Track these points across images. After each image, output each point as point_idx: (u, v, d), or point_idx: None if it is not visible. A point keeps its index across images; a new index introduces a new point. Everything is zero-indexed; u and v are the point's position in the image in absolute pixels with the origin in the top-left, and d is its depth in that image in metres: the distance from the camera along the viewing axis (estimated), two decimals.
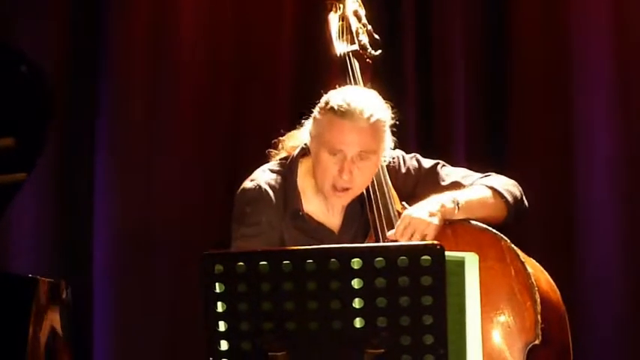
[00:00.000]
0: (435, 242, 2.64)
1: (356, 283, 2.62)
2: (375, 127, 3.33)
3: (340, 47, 3.69)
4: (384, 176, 3.47)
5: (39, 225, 4.45)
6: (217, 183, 4.55)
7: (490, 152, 4.65)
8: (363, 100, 3.35)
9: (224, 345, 2.66)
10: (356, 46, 3.69)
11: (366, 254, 2.62)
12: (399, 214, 3.37)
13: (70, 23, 4.51)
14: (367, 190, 3.44)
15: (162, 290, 4.50)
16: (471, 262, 2.90)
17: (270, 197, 3.43)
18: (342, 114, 3.31)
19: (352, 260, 2.61)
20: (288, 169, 3.49)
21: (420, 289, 2.61)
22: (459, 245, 3.15)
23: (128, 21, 4.54)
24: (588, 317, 4.45)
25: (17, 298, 3.36)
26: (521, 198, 3.55)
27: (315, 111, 3.40)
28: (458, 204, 3.36)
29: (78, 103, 4.50)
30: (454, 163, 4.51)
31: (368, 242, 3.38)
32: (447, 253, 2.62)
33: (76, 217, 4.50)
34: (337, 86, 3.50)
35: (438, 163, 3.59)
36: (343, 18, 3.76)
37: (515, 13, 4.63)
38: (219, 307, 2.65)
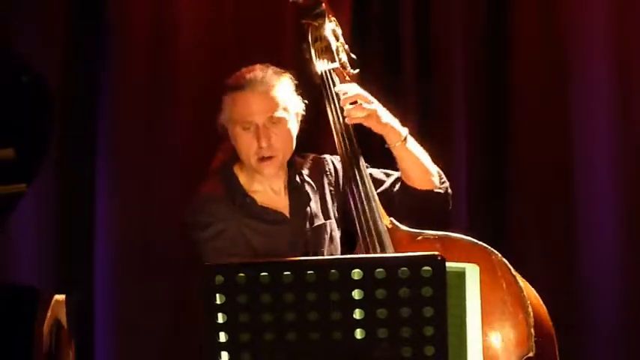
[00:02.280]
0: (436, 253, 2.64)
1: (356, 294, 2.62)
2: (275, 90, 3.48)
3: (320, 66, 3.72)
4: (372, 191, 3.49)
5: (40, 235, 4.43)
6: None
7: (491, 154, 4.64)
8: (256, 70, 3.51)
9: (224, 356, 2.66)
10: (337, 64, 3.73)
11: (367, 265, 2.62)
12: (388, 229, 3.40)
13: (70, 26, 4.49)
14: (355, 203, 3.47)
15: (163, 295, 4.49)
16: (472, 273, 2.90)
17: (216, 199, 3.52)
18: (240, 87, 3.48)
19: (353, 271, 2.62)
20: (224, 172, 3.61)
21: (420, 300, 2.61)
22: (449, 259, 3.14)
23: (128, 22, 4.52)
24: (588, 319, 4.45)
25: (20, 309, 3.35)
26: (447, 193, 3.63)
27: (221, 100, 3.55)
28: (407, 135, 3.52)
29: (77, 104, 4.49)
30: (455, 165, 4.55)
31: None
32: (447, 264, 2.62)
33: (77, 224, 4.49)
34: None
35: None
36: (321, 38, 3.80)
37: (514, 17, 4.63)
38: (220, 318, 2.65)
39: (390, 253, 3.30)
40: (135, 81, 4.53)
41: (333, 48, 3.76)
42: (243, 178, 3.58)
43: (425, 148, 3.65)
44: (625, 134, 4.58)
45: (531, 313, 3.16)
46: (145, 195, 4.52)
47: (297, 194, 3.59)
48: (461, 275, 2.89)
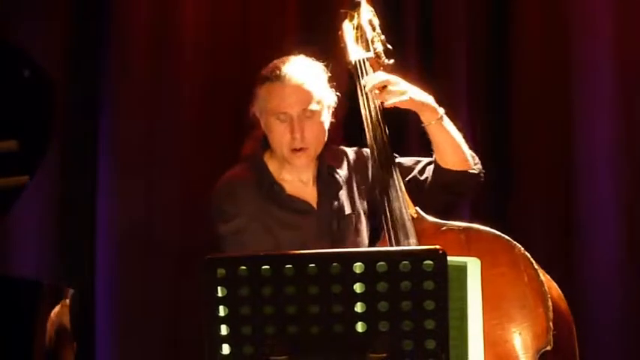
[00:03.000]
0: (438, 247, 2.63)
1: (358, 288, 2.62)
2: (309, 83, 3.51)
3: (355, 54, 3.74)
4: (399, 180, 3.50)
5: (41, 227, 4.44)
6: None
7: (492, 153, 4.64)
8: (292, 62, 3.54)
9: (226, 349, 2.66)
10: (371, 54, 3.74)
11: (368, 258, 2.62)
12: (413, 219, 3.39)
13: (72, 23, 4.50)
14: (380, 192, 3.48)
15: (163, 292, 4.49)
16: (473, 267, 2.90)
17: (243, 185, 3.55)
18: (275, 78, 3.51)
19: (354, 264, 2.61)
20: (253, 159, 3.64)
21: (422, 293, 2.61)
22: (472, 251, 3.17)
23: (131, 22, 4.53)
24: (589, 319, 4.45)
25: (22, 302, 3.36)
26: (480, 174, 3.65)
27: (254, 90, 3.57)
28: (443, 114, 3.53)
29: (79, 103, 4.49)
30: None
31: (380, 245, 3.40)
32: (449, 258, 2.61)
33: (78, 218, 4.49)
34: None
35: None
36: (358, 27, 3.83)
37: (516, 17, 4.63)
38: (221, 311, 2.65)
39: (413, 244, 3.30)
40: (136, 80, 4.53)
41: (369, 37, 3.77)
42: (272, 167, 3.61)
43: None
44: (627, 130, 4.58)
45: (551, 307, 3.17)
46: (146, 192, 4.53)
47: (325, 186, 3.61)
48: (462, 269, 2.89)
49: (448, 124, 3.56)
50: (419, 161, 3.68)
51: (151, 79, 4.55)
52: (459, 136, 3.59)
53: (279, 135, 3.52)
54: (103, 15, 4.52)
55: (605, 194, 4.56)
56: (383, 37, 3.78)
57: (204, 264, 2.66)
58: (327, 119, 3.57)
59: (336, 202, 3.60)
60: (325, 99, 3.55)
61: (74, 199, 4.49)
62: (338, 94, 3.62)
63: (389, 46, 3.78)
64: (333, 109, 3.61)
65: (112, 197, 4.49)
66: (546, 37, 4.63)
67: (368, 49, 3.75)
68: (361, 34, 3.79)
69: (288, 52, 4.49)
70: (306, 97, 3.50)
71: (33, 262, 4.39)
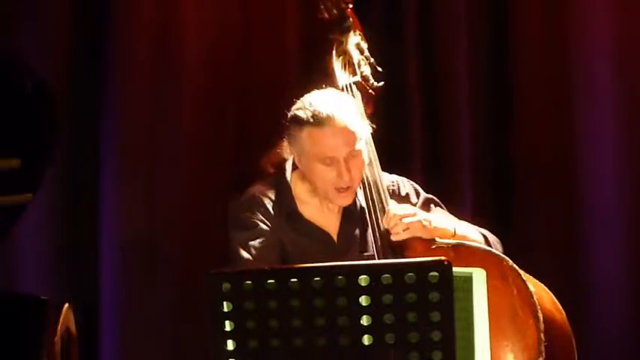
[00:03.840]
0: (443, 258, 2.64)
1: (363, 300, 2.62)
2: (352, 123, 3.42)
3: (342, 79, 3.74)
4: (386, 202, 3.49)
5: (45, 243, 4.43)
6: (222, 193, 4.54)
7: (495, 164, 4.65)
8: (329, 102, 3.43)
9: None
10: (357, 78, 3.75)
11: (374, 271, 2.62)
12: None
13: (74, 25, 4.49)
14: (369, 214, 3.49)
15: (168, 304, 4.48)
16: (479, 277, 2.90)
17: (264, 203, 3.50)
18: (318, 123, 3.40)
19: (359, 277, 2.61)
20: (279, 179, 3.57)
21: (427, 305, 2.61)
22: (462, 266, 3.16)
23: (133, 23, 4.51)
24: (594, 325, 4.45)
25: (27, 320, 3.35)
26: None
27: (289, 129, 3.48)
28: (455, 231, 3.47)
29: (80, 110, 4.49)
30: (460, 172, 4.55)
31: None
32: (454, 269, 2.62)
33: (82, 230, 4.48)
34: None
35: (432, 200, 3.65)
36: (345, 52, 3.82)
37: (517, 18, 4.64)
38: (227, 325, 2.65)
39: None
40: (138, 81, 4.52)
41: (355, 61, 3.78)
42: (300, 187, 3.55)
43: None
44: (630, 132, 4.58)
45: (541, 318, 3.18)
46: (150, 199, 4.52)
47: (350, 219, 3.55)
48: (468, 280, 2.89)
49: (462, 231, 3.51)
50: (419, 194, 3.65)
51: (153, 84, 4.53)
52: (474, 234, 3.55)
53: (325, 177, 3.42)
54: (105, 15, 4.49)
55: (610, 192, 4.56)
56: (372, 60, 3.79)
57: (208, 279, 2.66)
58: (366, 153, 3.49)
59: (357, 235, 3.54)
60: (364, 134, 3.48)
61: (77, 209, 4.48)
62: (374, 126, 3.56)
63: (378, 69, 3.79)
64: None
65: (115, 205, 4.47)
66: (547, 38, 4.64)
67: (354, 74, 3.75)
68: (348, 59, 3.79)
69: (292, 53, 4.55)
70: (351, 138, 3.40)
71: (37, 277, 4.37)
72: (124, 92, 4.50)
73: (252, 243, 3.44)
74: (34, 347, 3.32)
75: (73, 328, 3.43)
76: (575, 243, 4.59)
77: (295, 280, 2.63)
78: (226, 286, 2.64)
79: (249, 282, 2.64)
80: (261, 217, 3.48)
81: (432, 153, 4.58)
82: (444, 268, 2.61)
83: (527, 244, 4.51)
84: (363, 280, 2.61)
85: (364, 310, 2.62)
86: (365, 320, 2.63)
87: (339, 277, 2.62)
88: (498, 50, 4.67)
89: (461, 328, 2.74)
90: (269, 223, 3.47)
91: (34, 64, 4.14)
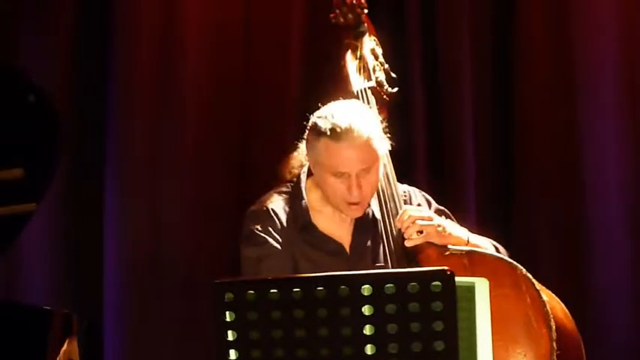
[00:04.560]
0: (445, 268, 2.64)
1: (366, 310, 2.62)
2: (370, 140, 3.37)
3: (357, 84, 3.73)
4: (400, 207, 3.48)
5: (48, 254, 4.44)
6: (225, 208, 4.54)
7: (499, 166, 4.65)
8: (351, 117, 3.38)
9: None
10: (372, 83, 3.74)
11: (376, 281, 2.62)
12: (416, 245, 3.40)
13: (77, 26, 4.49)
14: (383, 220, 3.47)
15: (172, 318, 4.48)
16: (482, 286, 2.90)
17: (278, 216, 3.47)
18: (335, 137, 3.35)
19: (362, 287, 2.61)
20: (294, 188, 3.54)
21: (430, 314, 2.61)
22: (476, 274, 3.16)
23: (136, 23, 4.51)
24: (597, 328, 4.45)
25: (33, 330, 3.35)
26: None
27: (308, 135, 3.45)
28: (469, 239, 3.45)
29: (83, 111, 4.49)
30: (463, 173, 4.55)
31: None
32: (457, 278, 2.62)
33: (85, 246, 4.49)
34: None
35: (444, 212, 3.63)
36: (360, 57, 3.81)
37: (520, 18, 4.65)
38: (230, 335, 2.65)
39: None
40: (141, 82, 4.52)
41: (370, 67, 3.77)
42: (314, 195, 3.51)
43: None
44: (633, 134, 4.58)
45: (554, 328, 3.18)
46: (153, 211, 4.52)
47: (362, 230, 3.52)
48: (471, 289, 2.89)
49: (474, 240, 3.50)
50: (430, 203, 3.64)
51: (155, 82, 4.54)
52: (486, 244, 3.55)
53: (335, 190, 3.40)
54: (108, 16, 4.50)
55: (615, 196, 4.56)
56: (386, 65, 3.79)
57: (212, 288, 2.66)
58: (382, 168, 3.46)
59: (369, 245, 3.52)
60: (382, 151, 3.43)
61: (81, 220, 4.48)
62: (392, 143, 3.53)
63: (392, 75, 3.79)
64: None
65: (119, 216, 4.48)
66: (551, 39, 4.65)
67: (369, 79, 3.75)
68: (363, 64, 3.78)
69: (294, 53, 4.54)
70: (367, 155, 3.36)
71: (41, 289, 4.38)
72: (126, 94, 4.51)
73: (263, 260, 3.40)
74: (38, 357, 3.33)
75: (75, 341, 3.44)
76: (578, 246, 4.58)
77: (298, 290, 2.63)
78: (229, 296, 2.64)
79: (252, 292, 2.64)
80: (271, 231, 3.44)
81: (435, 158, 4.58)
82: (447, 278, 2.61)
83: (530, 247, 4.51)
84: (366, 289, 2.62)
85: (367, 320, 2.62)
86: (368, 330, 2.62)
87: (342, 286, 2.62)
88: (502, 51, 4.68)
89: (463, 338, 2.74)
90: (279, 239, 3.44)
91: (36, 66, 4.18)
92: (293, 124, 4.46)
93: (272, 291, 2.63)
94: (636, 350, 4.51)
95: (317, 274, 2.72)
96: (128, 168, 4.50)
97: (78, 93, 4.48)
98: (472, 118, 4.62)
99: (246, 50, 4.59)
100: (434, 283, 2.60)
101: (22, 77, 3.64)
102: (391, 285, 2.61)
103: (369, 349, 2.63)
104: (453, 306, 2.61)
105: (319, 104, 3.50)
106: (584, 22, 4.62)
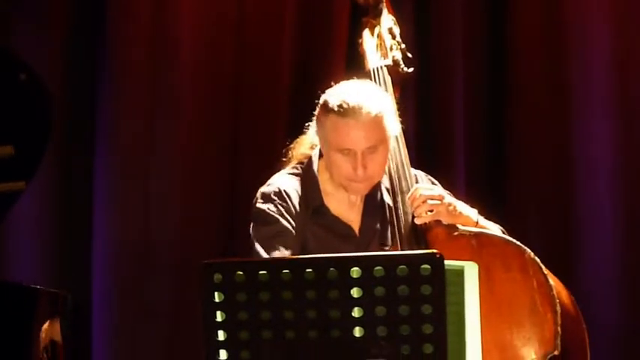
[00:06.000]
0: (435, 251, 2.64)
1: (355, 292, 2.62)
2: (378, 119, 3.36)
3: (373, 61, 3.74)
4: (411, 186, 3.48)
5: (38, 234, 4.43)
6: (217, 195, 4.54)
7: (489, 161, 4.66)
8: (361, 95, 3.37)
9: (223, 354, 2.66)
10: (389, 61, 3.74)
11: (365, 263, 2.62)
12: (425, 223, 3.40)
13: (70, 24, 4.48)
14: (393, 198, 3.48)
15: (161, 300, 4.48)
16: (471, 271, 2.90)
17: (290, 197, 3.46)
18: (343, 113, 3.34)
19: (351, 269, 2.61)
20: (306, 169, 3.53)
21: (419, 298, 2.60)
22: (484, 256, 3.19)
23: (129, 21, 4.51)
24: (586, 320, 4.46)
25: (19, 308, 3.34)
26: None
27: (317, 113, 3.44)
28: (478, 221, 3.45)
29: (76, 109, 4.49)
30: (454, 170, 4.55)
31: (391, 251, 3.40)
32: (446, 262, 2.62)
33: (75, 225, 4.48)
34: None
35: (449, 194, 3.60)
36: (378, 35, 3.83)
37: (514, 25, 4.65)
38: (219, 316, 2.65)
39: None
40: (135, 80, 4.52)
41: (387, 45, 3.78)
42: (324, 176, 3.50)
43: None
44: (625, 131, 4.59)
45: (559, 312, 3.19)
46: (144, 196, 4.52)
47: (371, 212, 3.52)
48: (460, 273, 2.89)
49: (483, 222, 3.49)
50: (434, 184, 3.62)
51: (150, 79, 4.54)
52: (493, 226, 3.54)
53: (340, 167, 3.39)
54: (102, 14, 4.49)
55: (604, 199, 4.57)
56: (403, 45, 3.79)
57: (201, 269, 2.66)
58: (389, 150, 3.45)
59: (378, 228, 3.51)
60: (391, 131, 3.42)
61: (71, 201, 4.48)
62: (402, 126, 3.52)
63: (409, 55, 3.79)
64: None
65: (109, 200, 4.48)
66: (545, 37, 4.65)
67: (386, 57, 3.75)
68: (381, 42, 3.79)
69: (286, 54, 4.54)
70: (373, 134, 3.34)
71: (29, 269, 4.37)
72: (120, 92, 4.51)
73: (273, 239, 3.39)
74: (24, 334, 3.32)
75: (62, 319, 3.44)
76: (568, 242, 4.59)
77: (287, 271, 2.63)
78: (218, 276, 2.64)
79: (240, 273, 2.64)
80: (283, 211, 3.43)
81: (424, 146, 4.58)
82: (436, 261, 2.60)
83: (519, 236, 4.51)
84: (355, 272, 2.61)
85: (356, 303, 2.62)
86: (356, 312, 2.62)
87: (331, 269, 2.62)
88: (495, 49, 4.68)
89: (452, 322, 2.74)
90: (291, 220, 3.43)
91: (31, 64, 4.16)
92: (285, 124, 4.47)
93: (261, 272, 2.63)
94: (624, 338, 4.53)
95: (306, 256, 2.72)
96: (120, 156, 4.50)
97: (72, 83, 4.48)
98: (463, 107, 4.62)
99: (238, 49, 4.59)
100: (423, 266, 2.60)
101: (13, 56, 3.63)
102: (380, 268, 2.61)
103: (357, 332, 2.63)
104: (442, 289, 2.61)
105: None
106: (578, 10, 4.62)
